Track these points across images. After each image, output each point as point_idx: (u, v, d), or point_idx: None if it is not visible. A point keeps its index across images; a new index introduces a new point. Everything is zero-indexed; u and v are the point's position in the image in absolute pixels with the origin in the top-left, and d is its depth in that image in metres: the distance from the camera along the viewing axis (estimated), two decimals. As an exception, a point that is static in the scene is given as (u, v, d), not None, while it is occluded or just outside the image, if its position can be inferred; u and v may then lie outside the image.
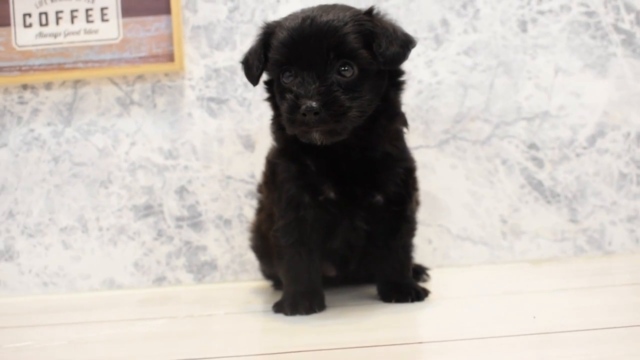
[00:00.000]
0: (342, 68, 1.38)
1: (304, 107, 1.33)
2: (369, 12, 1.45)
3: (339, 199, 1.49)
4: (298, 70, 1.38)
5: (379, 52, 1.39)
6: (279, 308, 1.49)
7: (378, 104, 1.44)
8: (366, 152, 1.48)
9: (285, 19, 1.45)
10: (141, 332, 1.41)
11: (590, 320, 1.25)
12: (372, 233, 1.55)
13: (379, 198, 1.51)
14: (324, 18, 1.38)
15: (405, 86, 1.53)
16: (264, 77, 1.52)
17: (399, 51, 1.42)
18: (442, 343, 1.18)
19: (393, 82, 1.49)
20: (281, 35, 1.40)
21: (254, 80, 1.50)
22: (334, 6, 1.44)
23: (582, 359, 1.03)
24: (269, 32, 1.47)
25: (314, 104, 1.33)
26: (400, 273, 1.56)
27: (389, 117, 1.49)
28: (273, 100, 1.51)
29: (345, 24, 1.38)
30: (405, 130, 1.56)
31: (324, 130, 1.36)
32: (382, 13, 1.48)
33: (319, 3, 1.51)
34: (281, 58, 1.41)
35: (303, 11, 1.44)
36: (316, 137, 1.37)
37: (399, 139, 1.54)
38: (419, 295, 1.52)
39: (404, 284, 1.55)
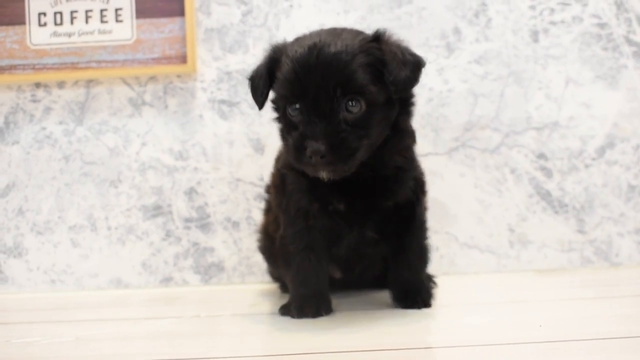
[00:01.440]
0: (350, 103, 1.33)
1: (309, 149, 1.30)
2: (377, 38, 1.39)
3: (348, 209, 1.47)
4: (303, 107, 1.33)
5: (390, 80, 1.34)
6: (286, 311, 1.49)
7: (388, 133, 1.42)
8: (377, 170, 1.46)
9: (292, 44, 1.40)
10: (147, 331, 1.42)
11: (596, 330, 1.26)
12: (383, 238, 1.53)
13: (388, 204, 1.50)
14: (332, 49, 1.32)
15: (415, 110, 1.50)
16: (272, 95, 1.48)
17: (410, 75, 1.37)
18: (448, 349, 1.18)
19: (404, 110, 1.46)
20: (286, 67, 1.35)
21: (258, 105, 1.47)
22: (343, 31, 1.40)
23: (588, 368, 1.03)
24: (274, 58, 1.42)
25: (321, 147, 1.29)
26: (413, 276, 1.55)
27: (399, 137, 1.46)
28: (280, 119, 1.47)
29: (354, 57, 1.32)
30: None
31: (331, 170, 1.34)
32: (388, 34, 1.42)
33: (330, 11, 1.50)
34: (286, 93, 1.36)
35: (310, 36, 1.39)
36: (323, 175, 1.35)
37: (408, 150, 1.52)
38: (429, 300, 1.52)
39: (415, 288, 1.54)
